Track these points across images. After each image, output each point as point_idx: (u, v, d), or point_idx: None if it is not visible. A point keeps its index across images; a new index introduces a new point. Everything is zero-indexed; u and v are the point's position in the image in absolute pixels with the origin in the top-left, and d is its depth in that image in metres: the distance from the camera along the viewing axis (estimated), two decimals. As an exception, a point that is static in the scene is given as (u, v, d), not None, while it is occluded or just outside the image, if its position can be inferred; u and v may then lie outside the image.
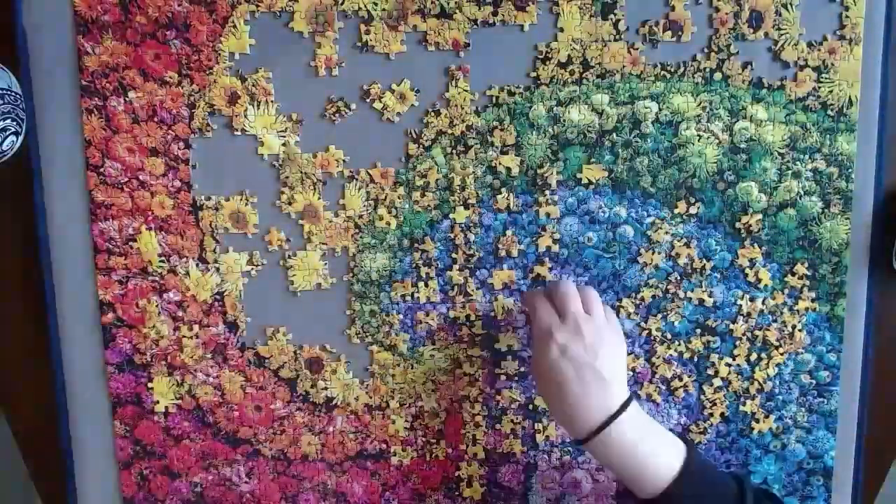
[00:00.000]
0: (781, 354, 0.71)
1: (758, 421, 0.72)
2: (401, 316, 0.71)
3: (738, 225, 0.69)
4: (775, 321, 0.70)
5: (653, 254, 0.69)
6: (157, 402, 0.72)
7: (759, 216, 0.68)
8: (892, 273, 0.69)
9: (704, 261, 0.69)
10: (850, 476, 0.73)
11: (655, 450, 0.59)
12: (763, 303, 0.70)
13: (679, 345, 0.71)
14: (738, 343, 0.71)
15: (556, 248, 0.70)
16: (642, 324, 0.71)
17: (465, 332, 0.71)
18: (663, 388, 0.72)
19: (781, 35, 0.66)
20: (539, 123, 0.68)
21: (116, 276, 0.70)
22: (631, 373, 0.71)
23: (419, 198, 0.69)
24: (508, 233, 0.70)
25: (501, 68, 0.67)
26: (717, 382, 0.71)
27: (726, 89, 0.67)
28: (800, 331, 0.70)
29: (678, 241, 0.69)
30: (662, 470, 0.59)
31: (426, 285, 0.70)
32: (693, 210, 0.69)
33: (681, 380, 0.71)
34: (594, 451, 0.60)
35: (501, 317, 0.70)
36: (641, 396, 0.72)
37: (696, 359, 0.71)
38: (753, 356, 0.71)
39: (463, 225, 0.69)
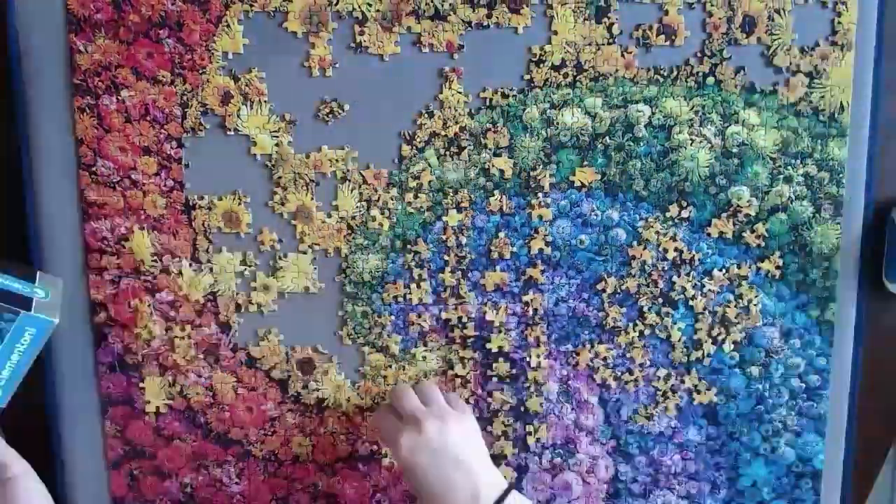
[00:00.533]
0: (740, 331, 0.71)
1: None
2: (393, 317, 0.71)
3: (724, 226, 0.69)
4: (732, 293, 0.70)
5: (644, 249, 0.70)
6: (149, 402, 0.72)
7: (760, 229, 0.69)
8: (881, 278, 0.69)
9: (696, 261, 0.70)
10: (839, 479, 0.73)
11: None
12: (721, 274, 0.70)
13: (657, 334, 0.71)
14: (699, 318, 0.70)
15: (548, 250, 0.70)
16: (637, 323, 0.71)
17: (458, 334, 0.71)
18: (652, 390, 0.72)
19: (774, 40, 0.66)
20: (532, 126, 0.68)
21: (108, 276, 0.70)
22: (629, 374, 0.72)
23: (412, 199, 0.69)
24: (501, 235, 0.70)
25: (495, 71, 0.67)
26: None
27: (719, 94, 0.67)
28: (755, 305, 0.70)
29: (664, 237, 0.69)
30: None
31: (418, 287, 0.70)
32: (685, 214, 0.69)
33: (666, 381, 0.72)
34: None
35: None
36: (639, 399, 0.72)
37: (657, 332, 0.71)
38: (715, 331, 0.71)
39: (455, 227, 0.69)
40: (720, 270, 0.70)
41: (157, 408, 0.72)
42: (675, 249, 0.70)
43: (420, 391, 0.66)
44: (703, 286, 0.70)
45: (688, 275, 0.70)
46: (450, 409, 0.64)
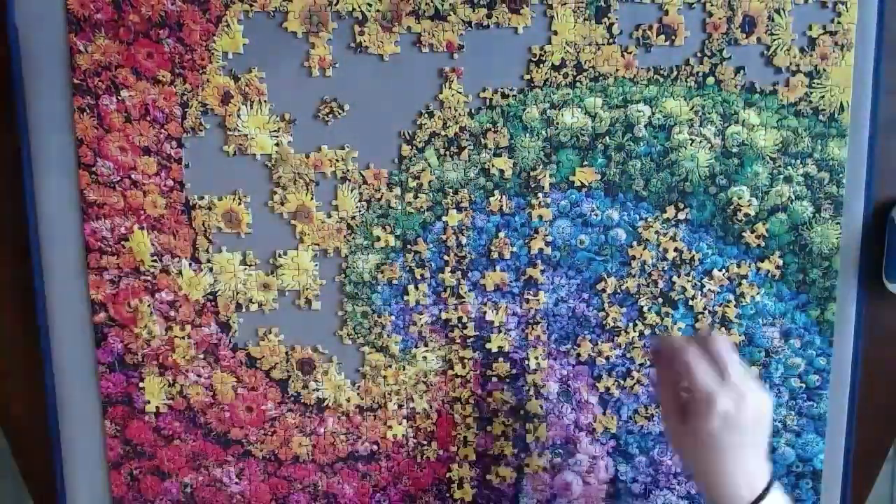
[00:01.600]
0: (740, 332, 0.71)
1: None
2: (392, 317, 0.71)
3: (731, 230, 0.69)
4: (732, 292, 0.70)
5: (643, 249, 0.70)
6: (149, 402, 0.72)
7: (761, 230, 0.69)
8: (881, 278, 0.69)
9: (696, 261, 0.70)
10: (839, 479, 0.73)
11: None
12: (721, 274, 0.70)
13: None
14: (699, 318, 0.70)
15: (548, 250, 0.70)
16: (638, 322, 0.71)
17: (457, 334, 0.71)
18: (653, 390, 0.72)
19: (774, 40, 0.66)
20: (532, 126, 0.68)
21: (108, 276, 0.70)
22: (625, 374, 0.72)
23: (412, 199, 0.69)
24: (501, 235, 0.70)
25: (495, 71, 0.67)
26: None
27: (719, 94, 0.67)
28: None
29: (664, 237, 0.69)
30: None
31: (417, 287, 0.70)
32: (684, 214, 0.69)
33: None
34: None
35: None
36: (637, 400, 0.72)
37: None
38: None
39: (455, 227, 0.69)
40: (720, 270, 0.70)
41: (157, 408, 0.72)
42: (675, 249, 0.70)
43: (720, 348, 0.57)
44: (703, 286, 0.70)
45: (688, 275, 0.70)
46: (760, 385, 0.57)
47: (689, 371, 0.55)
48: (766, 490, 0.54)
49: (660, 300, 0.70)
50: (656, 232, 0.69)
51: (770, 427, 0.56)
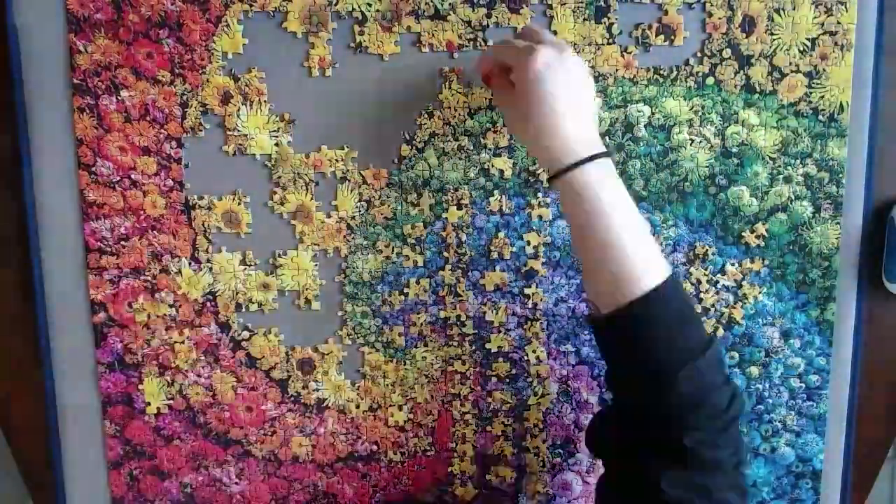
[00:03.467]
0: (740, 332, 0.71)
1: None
2: (393, 317, 0.71)
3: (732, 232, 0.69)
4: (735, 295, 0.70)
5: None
6: (149, 403, 0.72)
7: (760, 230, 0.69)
8: (881, 278, 0.69)
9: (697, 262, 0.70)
10: (838, 479, 0.73)
11: (631, 236, 0.54)
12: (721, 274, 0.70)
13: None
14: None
15: (547, 250, 0.70)
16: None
17: (456, 333, 0.71)
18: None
19: (774, 40, 0.66)
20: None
21: (108, 276, 0.70)
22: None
23: (412, 199, 0.69)
24: (501, 235, 0.70)
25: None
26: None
27: (718, 94, 0.67)
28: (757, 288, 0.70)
29: (664, 237, 0.69)
30: (637, 266, 0.53)
31: (417, 285, 0.70)
32: (684, 214, 0.69)
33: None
34: (564, 195, 0.56)
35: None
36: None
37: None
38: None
39: (456, 224, 0.70)
40: (720, 271, 0.70)
41: (158, 408, 0.72)
42: (676, 250, 0.70)
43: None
44: (700, 284, 0.70)
45: (688, 274, 0.70)
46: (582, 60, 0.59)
47: (502, 52, 0.58)
48: (590, 159, 0.54)
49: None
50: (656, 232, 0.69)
51: (592, 95, 0.58)
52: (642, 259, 0.54)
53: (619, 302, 0.53)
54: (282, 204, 0.69)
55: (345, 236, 0.70)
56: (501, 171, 0.69)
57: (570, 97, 0.56)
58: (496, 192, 0.69)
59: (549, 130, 0.56)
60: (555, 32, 0.66)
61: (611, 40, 0.67)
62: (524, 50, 0.57)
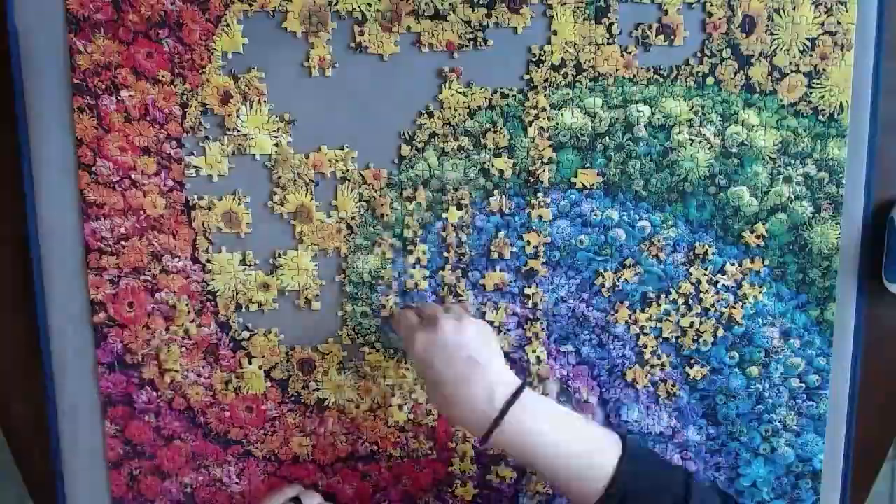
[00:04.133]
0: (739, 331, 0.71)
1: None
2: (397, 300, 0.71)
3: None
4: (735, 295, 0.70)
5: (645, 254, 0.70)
6: (149, 402, 0.72)
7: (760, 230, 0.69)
8: (881, 278, 0.69)
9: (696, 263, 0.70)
10: (839, 479, 0.73)
11: (577, 443, 0.58)
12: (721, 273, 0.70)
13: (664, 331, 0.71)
14: (701, 318, 0.71)
15: (548, 250, 0.70)
16: (633, 326, 0.71)
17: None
18: (652, 389, 0.72)
19: (774, 40, 0.66)
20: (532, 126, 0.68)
21: (108, 276, 0.70)
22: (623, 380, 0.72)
23: (412, 199, 0.69)
24: (501, 235, 0.70)
25: (495, 71, 0.67)
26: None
27: (718, 94, 0.67)
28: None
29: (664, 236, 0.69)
30: (594, 466, 0.57)
31: (417, 286, 0.70)
32: (684, 214, 0.69)
33: (665, 383, 0.72)
34: (505, 447, 0.58)
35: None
36: (638, 392, 0.72)
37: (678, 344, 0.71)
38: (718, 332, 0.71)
39: (456, 224, 0.70)
40: (720, 271, 0.70)
41: (159, 406, 0.72)
42: (676, 250, 0.70)
43: (434, 306, 0.66)
44: (700, 284, 0.70)
45: (688, 274, 0.70)
46: (464, 315, 0.63)
47: (406, 317, 0.64)
48: (501, 415, 0.57)
49: (660, 299, 0.70)
50: (656, 232, 0.69)
51: (488, 342, 0.61)
52: (597, 451, 0.58)
53: (597, 493, 0.56)
54: (282, 204, 0.69)
55: (345, 236, 0.70)
56: (501, 171, 0.69)
57: (456, 373, 0.58)
58: (496, 192, 0.69)
59: (449, 405, 0.59)
60: (555, 32, 0.66)
61: (611, 40, 0.67)
62: (410, 330, 0.62)
